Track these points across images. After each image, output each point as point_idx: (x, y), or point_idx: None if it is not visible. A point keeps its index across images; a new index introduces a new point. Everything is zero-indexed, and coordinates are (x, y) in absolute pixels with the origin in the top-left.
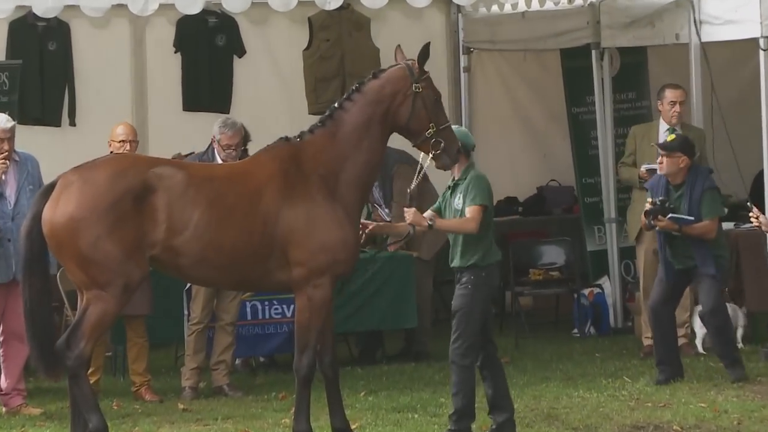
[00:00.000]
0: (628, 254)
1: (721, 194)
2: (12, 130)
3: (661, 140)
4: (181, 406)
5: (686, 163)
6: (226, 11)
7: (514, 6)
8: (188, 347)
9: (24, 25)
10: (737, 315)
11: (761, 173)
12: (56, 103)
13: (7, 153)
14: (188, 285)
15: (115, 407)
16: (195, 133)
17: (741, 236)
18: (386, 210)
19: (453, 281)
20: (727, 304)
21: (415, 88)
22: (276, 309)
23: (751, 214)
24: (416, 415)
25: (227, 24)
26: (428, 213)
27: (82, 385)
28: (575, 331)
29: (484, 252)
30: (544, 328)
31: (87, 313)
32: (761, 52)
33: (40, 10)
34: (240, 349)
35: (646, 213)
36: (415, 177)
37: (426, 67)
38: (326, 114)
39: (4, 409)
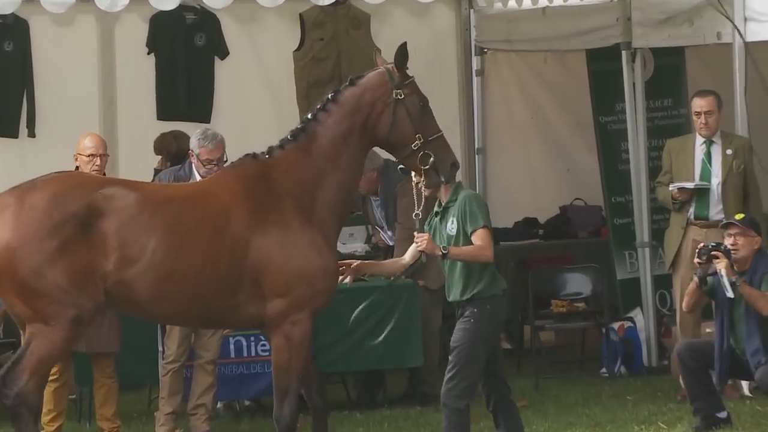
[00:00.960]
0: (663, 283)
1: None
2: None
3: (698, 161)
4: None
5: (759, 244)
6: (206, 7)
7: (534, 1)
8: (163, 389)
9: None
10: None
11: None
12: (13, 112)
13: None
14: None
15: None
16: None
17: None
18: (389, 233)
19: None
20: None
21: (397, 95)
22: (263, 346)
23: None
24: None
25: (207, 21)
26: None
27: (25, 427)
28: (604, 370)
29: (488, 281)
30: (569, 367)
31: (30, 349)
32: None
33: None
34: (222, 391)
35: (699, 252)
36: (416, 197)
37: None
38: (298, 127)
39: None
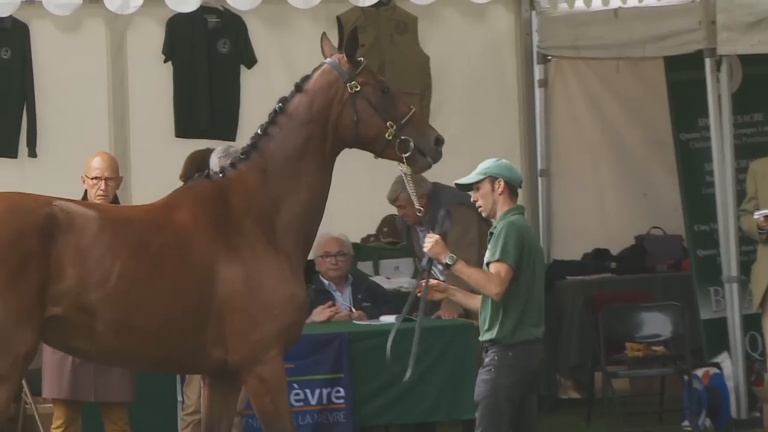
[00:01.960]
0: (753, 324)
1: None
2: None
3: None
4: None
5: None
6: (230, 9)
7: (605, 2)
8: None
9: None
10: None
11: None
12: (11, 129)
13: None
14: None
15: None
16: None
17: None
18: (439, 266)
19: None
20: None
21: (352, 88)
22: (296, 394)
23: None
24: None
25: (232, 25)
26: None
27: None
28: (686, 423)
29: (513, 325)
30: (646, 419)
31: None
32: None
33: None
34: None
35: None
36: (411, 190)
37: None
38: (249, 143)
39: None
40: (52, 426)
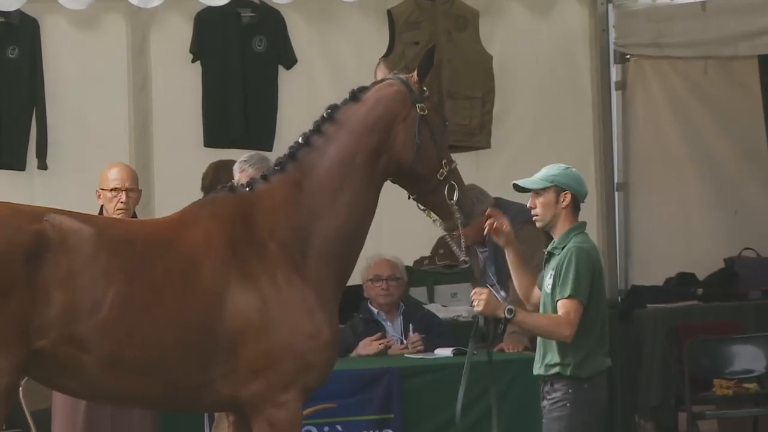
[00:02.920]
0: None
1: None
2: None
3: None
4: None
5: None
6: (267, 1)
7: None
8: None
9: None
10: None
11: None
12: (19, 137)
13: None
14: None
15: None
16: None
17: None
18: (502, 293)
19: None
20: None
21: (421, 110)
22: None
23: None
24: None
25: (269, 21)
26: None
27: None
28: None
29: (586, 356)
30: None
31: None
32: None
33: None
34: None
35: None
36: (455, 244)
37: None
38: (286, 153)
39: None
40: None
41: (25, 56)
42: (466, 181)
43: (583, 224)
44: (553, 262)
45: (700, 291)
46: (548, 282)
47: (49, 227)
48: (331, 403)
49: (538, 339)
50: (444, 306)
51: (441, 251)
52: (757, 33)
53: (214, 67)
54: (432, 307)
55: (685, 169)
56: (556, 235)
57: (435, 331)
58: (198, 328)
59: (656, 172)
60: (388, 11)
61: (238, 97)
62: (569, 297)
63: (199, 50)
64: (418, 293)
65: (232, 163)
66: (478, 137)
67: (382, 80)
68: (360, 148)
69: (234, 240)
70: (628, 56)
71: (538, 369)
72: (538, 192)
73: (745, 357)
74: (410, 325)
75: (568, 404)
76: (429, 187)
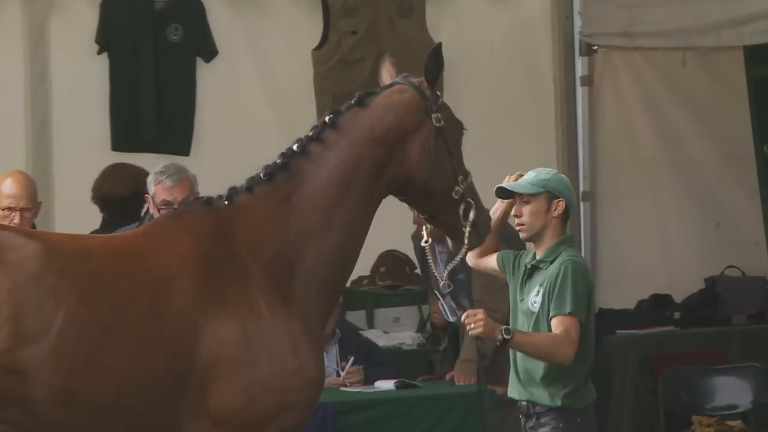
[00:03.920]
0: None
1: None
2: None
3: None
4: None
5: None
6: None
7: None
8: None
9: None
10: None
11: None
12: None
13: None
14: None
15: None
16: None
17: None
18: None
19: None
20: None
21: (437, 121)
22: None
23: None
24: None
25: (186, 7)
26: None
27: None
28: None
29: (578, 386)
30: None
31: None
32: None
33: None
34: None
35: None
36: (433, 259)
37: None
38: (276, 162)
39: None
40: None
41: None
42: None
43: (572, 237)
44: (539, 278)
45: (677, 315)
46: (534, 300)
47: None
48: None
49: (515, 358)
50: (385, 332)
51: (382, 269)
52: (742, 20)
53: (123, 60)
54: (371, 334)
55: (660, 176)
56: (542, 248)
57: (375, 361)
58: (167, 358)
59: (627, 179)
60: None
61: (150, 93)
62: (569, 314)
63: (105, 40)
64: (356, 318)
65: (129, 168)
66: None
67: (392, 85)
68: (363, 160)
69: (210, 259)
70: (595, 47)
71: (513, 393)
72: (526, 198)
73: (729, 390)
74: (348, 354)
75: None
76: (443, 207)
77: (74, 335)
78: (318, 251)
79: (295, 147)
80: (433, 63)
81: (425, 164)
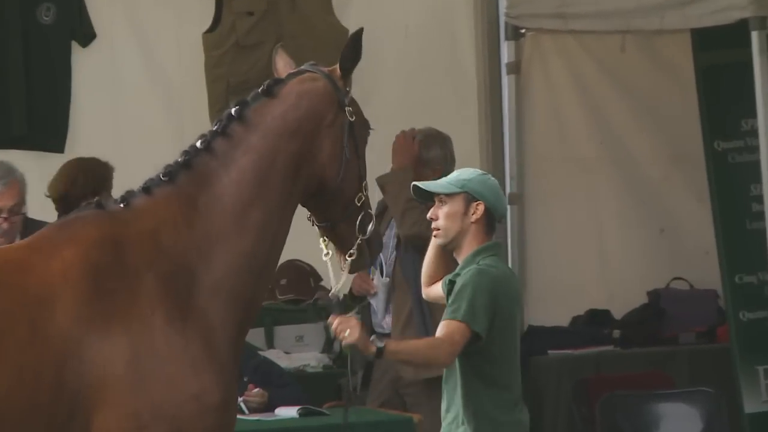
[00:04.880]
0: None
1: None
2: None
3: None
4: None
5: None
6: None
7: None
8: None
9: None
10: None
11: None
12: None
13: None
14: None
15: None
16: None
17: None
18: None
19: None
20: None
21: (350, 115)
22: None
23: None
24: None
25: None
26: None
27: None
28: None
29: (497, 407)
30: None
31: None
32: None
33: None
34: None
35: None
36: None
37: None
38: (177, 161)
39: None
40: None
41: None
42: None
43: (496, 245)
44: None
45: (616, 333)
46: (446, 313)
47: None
48: None
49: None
50: (287, 353)
51: (283, 281)
52: (688, 0)
53: None
54: (271, 354)
55: (597, 176)
56: (461, 257)
57: (275, 385)
58: (48, 385)
59: (559, 179)
60: None
61: (18, 82)
62: (457, 319)
63: None
64: (253, 336)
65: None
66: None
67: (299, 72)
68: (278, 154)
69: (98, 270)
70: (522, 30)
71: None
72: (442, 199)
73: (675, 418)
74: (243, 376)
75: None
76: (344, 215)
77: None
78: (228, 258)
79: (198, 144)
80: (351, 51)
81: (338, 162)
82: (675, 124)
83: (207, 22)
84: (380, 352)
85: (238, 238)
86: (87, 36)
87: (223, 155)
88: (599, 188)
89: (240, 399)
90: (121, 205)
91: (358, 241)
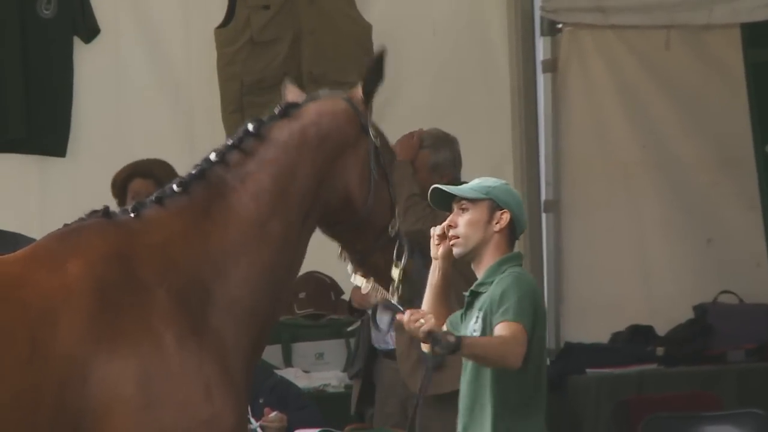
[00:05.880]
0: None
1: None
2: None
3: None
4: None
5: None
6: None
7: None
8: None
9: None
10: None
11: None
12: None
13: None
14: None
15: None
16: None
17: None
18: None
19: None
20: None
21: (374, 138)
22: None
23: None
24: None
25: None
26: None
27: None
28: None
29: (526, 425)
30: None
31: None
32: None
33: None
34: None
35: None
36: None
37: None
38: (191, 172)
39: None
40: None
41: None
42: None
43: (520, 256)
44: (479, 303)
45: (660, 351)
46: (474, 327)
47: None
48: None
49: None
50: (306, 372)
51: (302, 295)
52: None
53: None
54: (289, 374)
55: (639, 182)
56: (482, 269)
57: (292, 407)
58: (50, 407)
59: (598, 185)
60: None
61: (16, 81)
62: (513, 320)
63: None
64: (270, 354)
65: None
66: None
67: (315, 96)
68: (298, 167)
69: (105, 285)
70: (559, 25)
71: None
72: (464, 206)
73: None
74: (258, 397)
75: None
76: (377, 244)
77: None
78: (245, 272)
79: (212, 156)
80: (373, 73)
81: (365, 185)
82: (723, 126)
83: (219, 16)
84: (458, 342)
85: (256, 251)
86: (90, 31)
87: (239, 168)
88: (641, 195)
89: (257, 424)
90: (132, 215)
91: (399, 270)
